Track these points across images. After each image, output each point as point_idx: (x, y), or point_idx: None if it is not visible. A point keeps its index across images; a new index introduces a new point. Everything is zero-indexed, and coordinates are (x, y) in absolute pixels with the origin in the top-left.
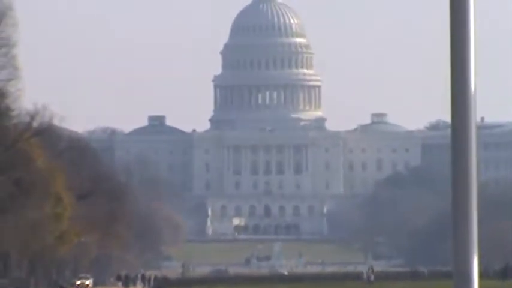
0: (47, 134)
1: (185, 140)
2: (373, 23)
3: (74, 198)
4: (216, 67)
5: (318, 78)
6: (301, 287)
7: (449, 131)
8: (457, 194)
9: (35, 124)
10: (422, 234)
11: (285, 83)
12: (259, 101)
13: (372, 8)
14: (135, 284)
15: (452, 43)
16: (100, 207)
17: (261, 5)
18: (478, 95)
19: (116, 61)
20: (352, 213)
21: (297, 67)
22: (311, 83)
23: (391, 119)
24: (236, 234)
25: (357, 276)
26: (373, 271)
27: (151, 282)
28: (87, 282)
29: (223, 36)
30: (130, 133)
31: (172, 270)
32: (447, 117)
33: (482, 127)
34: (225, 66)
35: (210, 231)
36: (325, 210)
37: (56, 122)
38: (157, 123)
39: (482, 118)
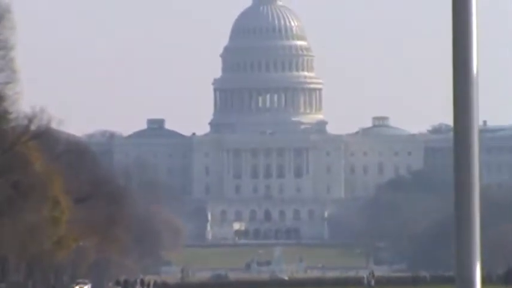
0: (45, 137)
1: (184, 144)
2: (375, 25)
3: (72, 201)
4: (215, 70)
5: (319, 81)
6: None
7: (451, 135)
8: (460, 198)
9: (33, 127)
10: (424, 239)
11: (286, 85)
12: (260, 104)
13: (373, 10)
14: None
15: (455, 46)
16: (99, 211)
17: (261, 7)
18: (480, 98)
19: (115, 64)
20: (354, 217)
21: (297, 70)
22: (312, 85)
23: (393, 122)
24: (236, 238)
25: (357, 281)
26: (373, 276)
27: (151, 287)
28: (85, 287)
29: (223, 39)
30: (129, 136)
31: (171, 275)
32: (449, 121)
33: (484, 131)
34: (225, 69)
35: (209, 235)
36: (326, 214)
37: (54, 125)
38: (156, 126)
39: (485, 122)
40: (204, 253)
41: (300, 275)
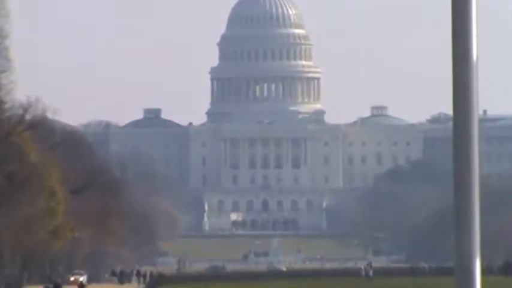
0: (41, 127)
1: (181, 133)
2: (373, 14)
3: (68, 192)
4: (212, 59)
5: (317, 70)
6: (299, 284)
7: (451, 124)
8: (459, 188)
9: (28, 117)
10: (423, 229)
11: (283, 74)
12: (257, 93)
13: None
14: (130, 280)
15: (454, 34)
16: (95, 202)
17: None
18: (480, 87)
19: (111, 53)
20: (352, 207)
21: (295, 59)
22: (310, 74)
23: (392, 111)
24: (233, 229)
25: (355, 272)
26: (371, 267)
27: (147, 279)
28: (81, 279)
29: (220, 27)
30: (126, 126)
31: (168, 266)
32: (449, 110)
33: (484, 120)
34: (222, 57)
35: (206, 226)
36: (324, 204)
37: (50, 115)
38: (152, 116)
39: (485, 111)
40: (201, 244)
41: (298, 266)
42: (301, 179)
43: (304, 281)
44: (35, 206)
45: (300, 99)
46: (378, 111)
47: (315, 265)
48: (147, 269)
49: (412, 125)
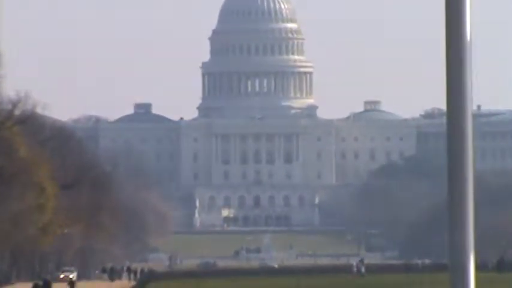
0: (30, 122)
1: (172, 129)
2: (366, 7)
3: (57, 188)
4: (204, 53)
5: (309, 64)
6: (291, 280)
7: (444, 120)
8: (453, 184)
9: (17, 112)
10: (417, 226)
11: (275, 69)
12: (249, 88)
13: None
14: (120, 277)
15: (448, 29)
16: (84, 198)
17: None
18: (474, 82)
19: (101, 47)
20: (345, 203)
21: (287, 53)
22: (302, 69)
23: (385, 106)
24: (225, 225)
25: (348, 269)
26: (363, 263)
27: (138, 275)
28: (71, 276)
29: (212, 22)
30: (116, 121)
31: (158, 262)
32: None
33: (478, 115)
34: (213, 52)
35: (198, 222)
36: (316, 200)
37: (39, 110)
38: (143, 111)
39: (479, 106)
40: (192, 240)
41: (291, 262)
42: (294, 175)
43: (296, 277)
44: (24, 202)
45: (292, 94)
46: (371, 106)
47: (307, 261)
48: (137, 265)
49: (406, 120)
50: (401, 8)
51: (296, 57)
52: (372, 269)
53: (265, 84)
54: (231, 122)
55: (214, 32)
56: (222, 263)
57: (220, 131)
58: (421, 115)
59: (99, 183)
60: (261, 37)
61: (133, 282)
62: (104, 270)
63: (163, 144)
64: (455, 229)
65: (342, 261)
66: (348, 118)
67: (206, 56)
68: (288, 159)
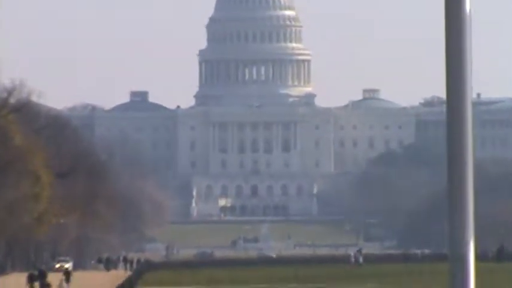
0: (25, 111)
1: (169, 117)
2: None
3: (53, 177)
4: (201, 41)
5: (308, 52)
6: (289, 271)
7: (444, 108)
8: (453, 173)
9: (12, 100)
10: (416, 215)
11: (273, 57)
12: (246, 76)
13: None
14: (116, 267)
15: (447, 17)
16: (80, 187)
17: None
18: (474, 70)
19: (97, 35)
20: (343, 192)
21: (285, 41)
22: (300, 57)
23: (384, 94)
24: (222, 215)
25: (346, 259)
26: (361, 253)
27: (134, 265)
28: (66, 266)
29: (209, 9)
30: (112, 110)
31: (155, 252)
32: (442, 93)
33: (478, 103)
34: (210, 40)
35: (194, 212)
36: (315, 189)
37: (34, 98)
38: (139, 99)
39: (479, 94)
40: (188, 230)
41: (288, 252)
42: (292, 164)
43: (294, 268)
44: (19, 190)
45: (290, 82)
46: (370, 94)
47: (305, 251)
48: (134, 255)
49: (405, 108)
50: None
51: (294, 44)
52: (370, 259)
53: (262, 72)
54: (229, 110)
55: (212, 19)
56: (219, 253)
57: (217, 119)
58: (420, 103)
59: (95, 172)
60: (258, 24)
61: (129, 273)
62: (99, 260)
63: (159, 133)
64: (455, 218)
65: (341, 251)
66: (346, 106)
67: (203, 44)
68: (286, 148)
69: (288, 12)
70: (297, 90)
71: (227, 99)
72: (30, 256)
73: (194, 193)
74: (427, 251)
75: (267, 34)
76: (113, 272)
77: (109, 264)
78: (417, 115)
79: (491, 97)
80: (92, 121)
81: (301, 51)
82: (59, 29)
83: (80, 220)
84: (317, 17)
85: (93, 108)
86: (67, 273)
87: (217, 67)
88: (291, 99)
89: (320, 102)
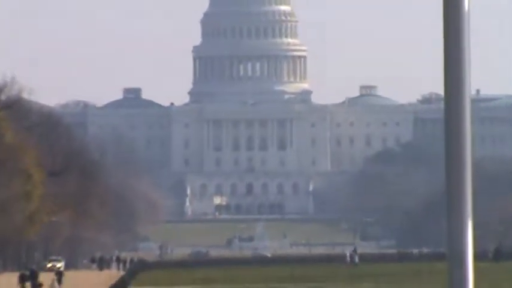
0: (16, 108)
1: (162, 114)
2: None
3: (45, 175)
4: (195, 37)
5: (303, 48)
6: (284, 270)
7: (442, 105)
8: (451, 171)
9: (3, 97)
10: (414, 214)
11: (268, 53)
12: (241, 72)
13: None
14: (109, 266)
15: (446, 12)
16: (72, 185)
17: None
18: (473, 66)
19: (89, 31)
20: (340, 191)
21: (280, 36)
22: (296, 53)
23: (381, 91)
24: (217, 214)
25: (341, 259)
26: (357, 253)
27: (127, 265)
28: (58, 265)
29: (203, 4)
30: (105, 107)
31: (149, 252)
32: (440, 90)
33: (477, 100)
34: (204, 35)
35: (189, 210)
36: (311, 188)
37: (26, 95)
38: (132, 96)
39: (478, 91)
40: (183, 229)
41: (284, 251)
42: (287, 162)
43: (290, 267)
44: (10, 189)
45: (285, 79)
46: (367, 91)
47: (301, 251)
48: (127, 255)
49: (402, 105)
50: None
51: (289, 40)
52: (366, 259)
53: (257, 68)
54: (223, 107)
55: (206, 14)
56: (214, 252)
57: (211, 116)
58: (418, 100)
59: (88, 171)
60: (253, 20)
61: (122, 272)
62: (92, 260)
63: (153, 130)
64: (454, 217)
65: (337, 250)
66: (343, 103)
67: (197, 40)
68: (282, 146)
69: (283, 7)
70: (293, 87)
71: (221, 96)
72: (21, 256)
73: (188, 191)
74: (425, 250)
75: (262, 29)
76: (105, 272)
77: (102, 264)
78: (415, 112)
79: (490, 94)
80: (84, 118)
81: (297, 47)
82: (50, 24)
83: (73, 219)
84: (313, 12)
85: (86, 105)
86: (59, 273)
87: (211, 63)
88: (286, 96)
89: (316, 99)
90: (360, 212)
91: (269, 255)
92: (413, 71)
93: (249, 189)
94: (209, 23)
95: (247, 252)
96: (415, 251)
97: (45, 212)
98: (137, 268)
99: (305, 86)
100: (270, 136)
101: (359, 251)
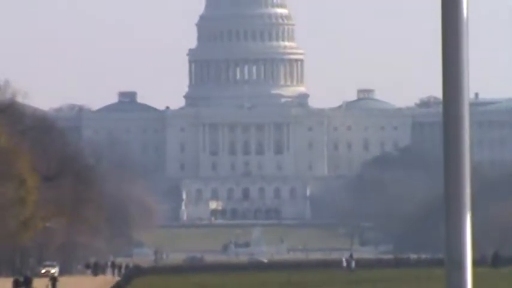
0: (10, 112)
1: (158, 118)
2: None
3: (39, 180)
4: (191, 40)
5: (300, 51)
6: (281, 276)
7: (440, 108)
8: (450, 176)
9: None
10: (412, 219)
11: (265, 56)
12: (238, 76)
13: None
14: (104, 272)
15: (444, 16)
16: (67, 190)
17: None
18: (471, 69)
19: (84, 33)
20: (337, 196)
21: (277, 39)
22: (293, 56)
23: (379, 95)
24: (213, 219)
25: (338, 264)
26: (353, 258)
27: (122, 270)
28: (53, 271)
29: (199, 7)
30: (99, 110)
31: (144, 257)
32: (438, 94)
33: (476, 104)
34: (200, 39)
35: (184, 215)
36: (308, 192)
37: (20, 99)
38: (127, 99)
39: (476, 94)
40: (178, 234)
41: (281, 257)
42: (284, 166)
43: (286, 273)
44: (4, 195)
45: (282, 82)
46: (365, 95)
47: (298, 256)
48: (122, 260)
49: (400, 109)
50: None
51: (286, 43)
52: (363, 264)
53: (254, 71)
54: (219, 111)
55: (202, 17)
56: (209, 258)
57: (207, 120)
58: (416, 104)
59: (82, 176)
60: (249, 23)
61: (117, 278)
62: (87, 265)
63: (148, 134)
64: (452, 222)
65: (335, 255)
66: (340, 107)
67: (193, 43)
68: (279, 150)
69: (280, 10)
70: (290, 91)
71: (218, 99)
72: (15, 261)
73: (184, 196)
74: (423, 256)
75: (259, 33)
76: (100, 277)
77: (97, 270)
78: (413, 116)
79: (489, 97)
80: (79, 122)
81: (294, 50)
82: (44, 27)
83: (67, 224)
84: (310, 15)
85: (80, 109)
86: (53, 279)
87: (207, 67)
88: (283, 100)
89: (313, 102)
90: (357, 217)
91: (265, 260)
92: (411, 75)
93: (246, 193)
94: (205, 26)
95: (243, 257)
96: (413, 256)
97: (39, 218)
98: (132, 273)
99: (302, 89)
100: (266, 140)
101: (357, 256)
